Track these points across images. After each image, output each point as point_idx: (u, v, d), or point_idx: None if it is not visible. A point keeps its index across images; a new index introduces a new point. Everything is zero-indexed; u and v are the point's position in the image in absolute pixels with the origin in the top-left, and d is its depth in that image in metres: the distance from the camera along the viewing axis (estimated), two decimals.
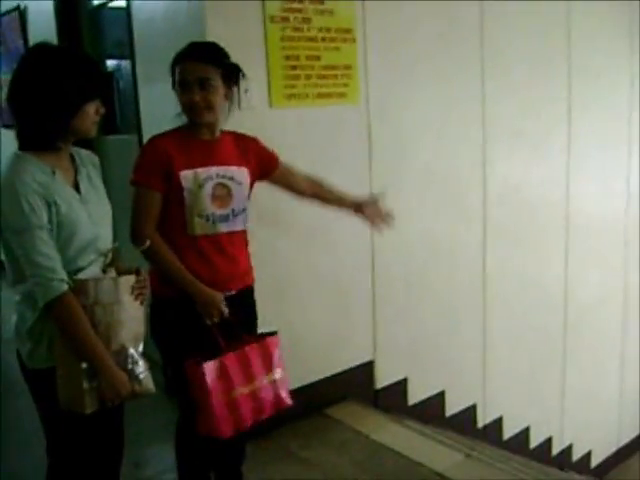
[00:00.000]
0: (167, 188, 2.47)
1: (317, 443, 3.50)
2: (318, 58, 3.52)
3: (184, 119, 2.55)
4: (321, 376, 3.73)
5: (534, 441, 5.31)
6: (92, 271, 2.05)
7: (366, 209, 2.95)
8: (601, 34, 5.36)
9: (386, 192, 2.96)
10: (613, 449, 6.33)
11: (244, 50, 2.95)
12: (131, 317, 2.08)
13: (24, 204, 1.89)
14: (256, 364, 2.53)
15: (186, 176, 2.46)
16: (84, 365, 1.97)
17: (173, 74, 2.51)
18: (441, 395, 4.42)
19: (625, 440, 6.47)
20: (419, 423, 3.98)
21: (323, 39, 3.51)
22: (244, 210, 2.60)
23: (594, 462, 6.09)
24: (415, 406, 4.24)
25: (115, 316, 2.03)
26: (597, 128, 5.46)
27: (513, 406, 5.02)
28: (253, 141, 2.71)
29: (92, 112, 2.04)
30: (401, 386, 4.15)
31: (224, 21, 3.11)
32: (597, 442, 6.09)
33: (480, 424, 4.77)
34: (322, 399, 3.75)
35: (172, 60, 2.51)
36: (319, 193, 2.94)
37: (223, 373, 2.44)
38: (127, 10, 3.80)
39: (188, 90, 2.44)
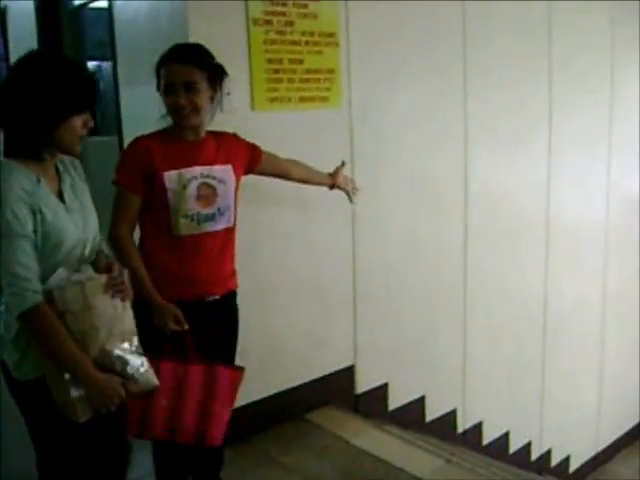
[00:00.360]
0: (149, 189, 2.46)
1: (297, 448, 3.48)
2: (301, 62, 3.50)
3: (169, 121, 2.54)
4: (301, 381, 3.71)
5: (513, 446, 5.32)
6: (59, 274, 1.97)
7: (338, 179, 3.21)
8: (582, 36, 5.40)
9: (345, 162, 3.27)
10: (591, 454, 6.36)
11: (227, 52, 2.93)
12: (110, 318, 2.01)
13: (8, 211, 1.84)
14: (193, 386, 2.42)
15: (170, 177, 2.46)
16: (67, 375, 1.92)
17: (158, 76, 2.50)
18: (421, 400, 4.41)
19: (603, 445, 6.51)
20: (399, 428, 3.98)
21: (306, 43, 3.50)
22: (229, 208, 2.61)
23: (572, 467, 6.12)
24: (395, 411, 4.22)
25: (88, 322, 1.95)
26: (578, 131, 5.50)
27: (493, 411, 5.03)
28: (233, 137, 2.73)
29: (79, 125, 1.99)
30: (381, 391, 4.14)
31: (207, 23, 3.09)
32: (575, 447, 6.11)
33: (460, 429, 4.77)
34: (302, 404, 3.74)
35: (157, 62, 2.49)
36: (305, 174, 3.10)
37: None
38: (109, 10, 3.76)
39: (174, 93, 2.44)
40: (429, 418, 4.49)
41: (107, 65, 4.20)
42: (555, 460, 5.86)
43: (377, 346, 4.09)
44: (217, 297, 2.63)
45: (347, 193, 3.28)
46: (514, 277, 5.09)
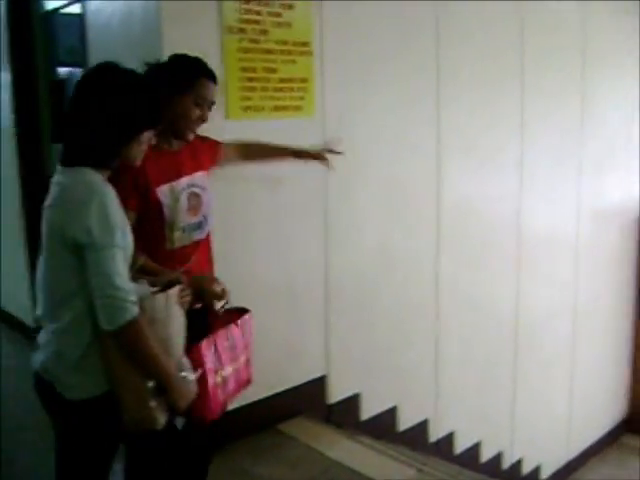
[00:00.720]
0: (143, 205, 2.42)
1: (270, 460, 3.45)
2: (275, 71, 3.49)
3: None
4: (274, 391, 3.68)
5: (485, 456, 5.33)
6: (134, 285, 2.02)
7: (307, 156, 3.13)
8: (553, 48, 5.45)
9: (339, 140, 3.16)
10: (562, 463, 6.39)
11: None
12: (181, 326, 2.11)
13: (111, 221, 1.86)
14: (239, 342, 2.52)
15: (163, 191, 2.44)
16: (150, 384, 1.95)
17: (178, 80, 2.46)
18: (394, 410, 4.41)
19: (573, 454, 6.54)
20: (372, 438, 3.96)
21: (280, 52, 3.49)
22: (211, 213, 2.62)
23: (543, 476, 6.15)
24: (368, 421, 4.22)
25: (169, 330, 2.04)
26: (549, 143, 5.54)
27: (464, 421, 5.04)
28: (197, 138, 2.67)
29: (146, 140, 2.04)
30: (354, 401, 4.13)
31: (180, 30, 3.07)
32: (546, 456, 6.15)
33: (432, 439, 4.77)
34: (275, 415, 3.71)
35: (187, 68, 2.48)
36: (264, 151, 3.05)
37: (215, 351, 2.40)
38: (81, 16, 3.73)
39: (202, 107, 2.47)
40: (401, 428, 4.49)
41: (79, 71, 4.15)
42: (526, 470, 5.88)
43: (349, 356, 4.07)
44: (199, 306, 2.60)
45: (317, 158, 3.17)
46: (486, 288, 5.12)
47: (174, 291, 2.09)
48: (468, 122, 4.70)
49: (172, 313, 2.06)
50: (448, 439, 4.91)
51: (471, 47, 4.64)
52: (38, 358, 2.01)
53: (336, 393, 4.02)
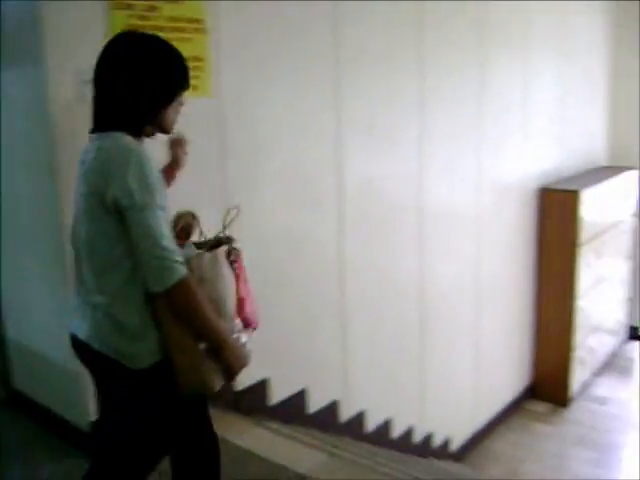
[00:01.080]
0: None
1: None
2: None
3: None
4: None
5: (396, 432, 5.37)
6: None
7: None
8: (452, 28, 5.47)
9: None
10: (470, 433, 6.53)
11: (86, 39, 2.76)
12: (231, 286, 2.10)
13: (150, 181, 1.86)
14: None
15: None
16: (202, 345, 1.93)
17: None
18: (303, 393, 4.37)
19: (481, 423, 6.69)
20: (282, 424, 3.93)
21: (172, 29, 3.34)
22: None
23: (453, 447, 6.27)
24: (277, 406, 4.17)
25: (219, 289, 2.01)
26: (448, 120, 5.57)
27: (374, 399, 5.06)
28: None
29: (179, 104, 2.08)
30: (262, 387, 4.07)
31: (62, 6, 2.87)
32: (455, 428, 6.27)
33: (343, 419, 4.76)
34: None
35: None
36: None
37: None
38: None
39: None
40: (312, 410, 4.46)
41: None
42: (436, 442, 5.98)
43: (255, 342, 3.99)
44: None
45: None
46: (390, 269, 5.12)
47: (221, 250, 2.11)
48: (368, 102, 4.65)
49: (220, 272, 2.05)
50: (359, 418, 4.92)
51: (370, 25, 4.58)
52: (83, 328, 1.96)
53: (243, 380, 3.94)
